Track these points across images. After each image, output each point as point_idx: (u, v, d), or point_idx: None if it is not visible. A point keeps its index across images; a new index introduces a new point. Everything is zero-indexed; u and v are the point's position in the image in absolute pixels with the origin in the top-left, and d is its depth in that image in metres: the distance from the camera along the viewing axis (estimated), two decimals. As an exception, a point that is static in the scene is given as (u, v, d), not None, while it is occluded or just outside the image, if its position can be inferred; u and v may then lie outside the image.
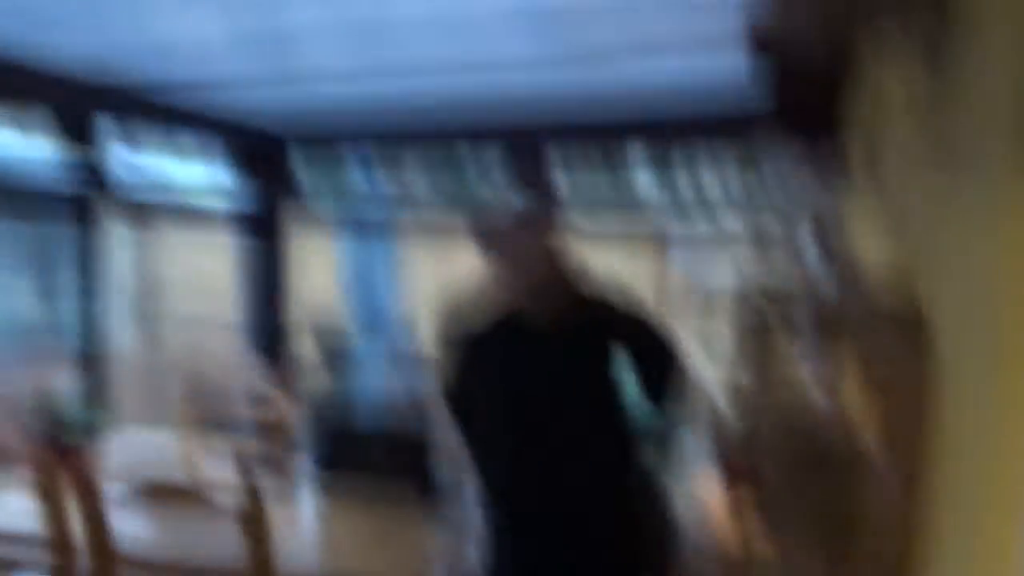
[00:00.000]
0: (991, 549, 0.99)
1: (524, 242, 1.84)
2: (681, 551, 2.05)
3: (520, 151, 3.52)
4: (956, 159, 1.22)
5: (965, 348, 1.16)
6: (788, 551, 1.49)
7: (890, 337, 1.39)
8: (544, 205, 1.90)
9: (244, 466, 1.86)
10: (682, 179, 9.83)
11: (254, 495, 1.88)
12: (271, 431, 3.23)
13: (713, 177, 8.76)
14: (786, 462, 1.45)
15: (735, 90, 3.00)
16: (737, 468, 1.48)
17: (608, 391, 1.86)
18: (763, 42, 2.05)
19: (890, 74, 1.68)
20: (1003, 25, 1.00)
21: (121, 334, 7.47)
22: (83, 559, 2.03)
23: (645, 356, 1.94)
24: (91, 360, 3.10)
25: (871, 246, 1.98)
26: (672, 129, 3.37)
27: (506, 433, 1.92)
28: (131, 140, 3.42)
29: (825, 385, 1.62)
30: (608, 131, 3.44)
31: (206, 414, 3.34)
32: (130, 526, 2.06)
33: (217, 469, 1.93)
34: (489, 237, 1.88)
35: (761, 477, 1.43)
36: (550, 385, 1.87)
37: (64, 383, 5.06)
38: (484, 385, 1.98)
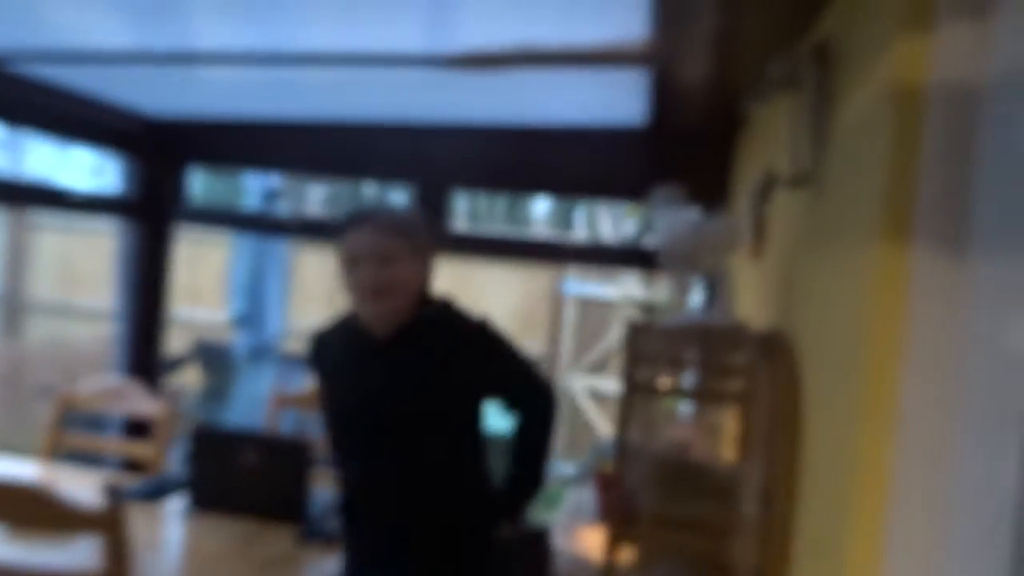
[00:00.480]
0: (852, 555, 1.07)
1: (367, 266, 1.87)
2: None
3: (421, 182, 3.55)
4: (831, 231, 1.32)
5: (832, 386, 1.26)
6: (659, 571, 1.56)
7: (751, 354, 1.49)
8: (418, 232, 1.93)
9: (109, 488, 1.80)
10: (579, 221, 10.01)
11: (115, 507, 1.82)
12: (142, 463, 3.13)
13: (608, 221, 9.02)
14: (661, 492, 1.52)
15: (630, 136, 3.14)
16: (616, 506, 1.55)
17: (439, 410, 1.93)
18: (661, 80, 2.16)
19: (774, 142, 1.81)
20: (880, 110, 1.10)
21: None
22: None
23: (516, 405, 2.04)
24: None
25: (750, 302, 2.11)
26: (571, 173, 3.46)
27: (339, 435, 2.04)
28: (7, 115, 3.26)
29: (701, 424, 1.72)
30: (510, 170, 3.50)
31: (76, 445, 3.20)
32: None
33: (81, 494, 1.86)
34: (341, 255, 1.92)
35: (637, 512, 1.50)
36: (374, 393, 1.94)
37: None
38: (325, 383, 2.07)
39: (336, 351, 2.06)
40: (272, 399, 3.28)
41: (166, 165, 3.75)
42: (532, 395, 2.04)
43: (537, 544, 2.49)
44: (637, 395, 1.57)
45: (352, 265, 1.89)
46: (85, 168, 9.87)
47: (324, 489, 2.68)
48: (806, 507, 1.36)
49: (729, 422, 1.66)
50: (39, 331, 7.93)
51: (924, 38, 1.03)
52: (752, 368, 1.52)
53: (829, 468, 1.23)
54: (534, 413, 2.04)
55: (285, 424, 3.36)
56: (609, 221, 9.26)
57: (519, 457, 2.05)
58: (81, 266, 8.06)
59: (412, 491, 1.95)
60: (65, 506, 1.79)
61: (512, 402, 2.04)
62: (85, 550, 2.07)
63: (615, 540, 1.60)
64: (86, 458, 3.35)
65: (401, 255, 1.89)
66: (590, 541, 2.64)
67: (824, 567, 1.20)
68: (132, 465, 3.34)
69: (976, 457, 0.93)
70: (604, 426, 6.55)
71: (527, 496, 2.04)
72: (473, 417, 1.99)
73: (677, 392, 1.65)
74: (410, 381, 1.93)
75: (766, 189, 1.55)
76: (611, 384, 6.59)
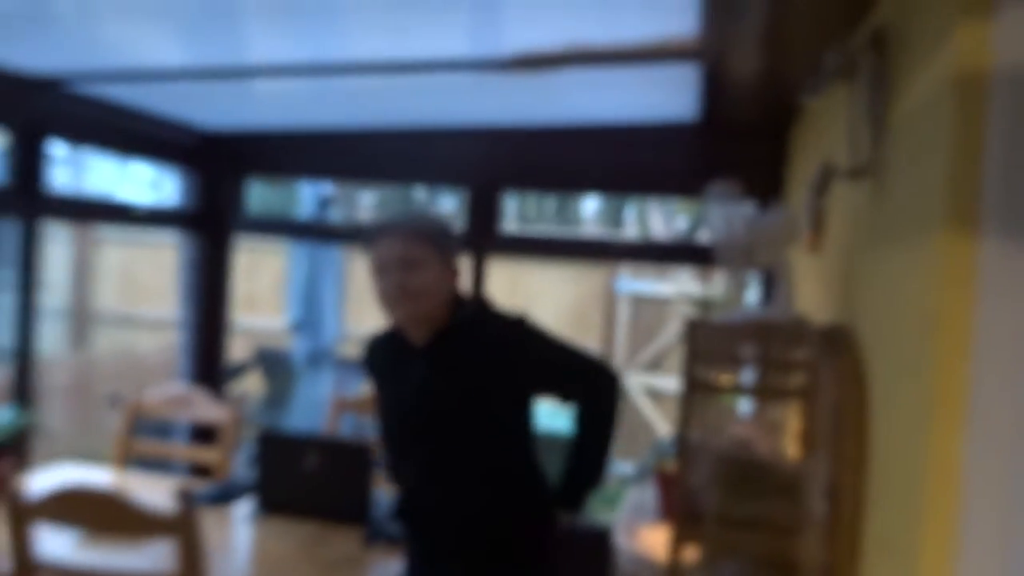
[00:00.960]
0: (924, 552, 1.06)
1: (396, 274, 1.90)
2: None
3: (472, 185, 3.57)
4: (894, 222, 1.30)
5: (899, 380, 1.24)
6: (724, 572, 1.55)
7: (813, 349, 1.47)
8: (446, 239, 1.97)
9: (182, 493, 1.85)
10: (630, 218, 9.96)
11: (188, 511, 1.87)
12: (209, 468, 3.20)
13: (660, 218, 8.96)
14: (724, 491, 1.51)
15: (681, 132, 3.12)
16: (679, 505, 1.54)
17: (481, 410, 1.94)
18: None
19: (833, 134, 1.78)
20: (941, 95, 1.08)
21: (52, 333, 7.29)
22: (5, 565, 1.99)
23: (569, 395, 2.04)
24: (20, 360, 3.02)
25: (810, 296, 2.08)
26: (621, 171, 3.44)
27: (390, 438, 2.08)
28: (69, 134, 3.37)
29: (762, 421, 1.70)
30: (559, 169, 3.50)
31: (145, 451, 3.30)
32: (56, 538, 2.02)
33: (153, 500, 1.92)
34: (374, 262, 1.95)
35: (701, 511, 1.49)
36: (417, 398, 1.97)
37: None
38: (377, 387, 2.12)
39: (386, 356, 2.10)
40: (331, 403, 3.33)
41: (224, 177, 3.83)
42: (585, 382, 2.02)
43: (598, 544, 2.49)
44: (698, 393, 1.56)
45: (380, 272, 1.92)
46: (144, 183, 10.15)
47: (387, 491, 2.71)
48: (874, 504, 1.34)
49: (791, 418, 1.64)
50: (105, 342, 8.17)
51: (986, 22, 1.01)
52: (814, 363, 1.50)
53: (898, 464, 1.21)
54: (591, 400, 2.03)
55: (344, 428, 3.41)
56: (660, 218, 9.20)
57: (579, 446, 2.04)
58: (144, 278, 8.29)
59: (462, 493, 1.97)
60: (140, 511, 1.84)
61: (565, 394, 2.03)
62: (156, 554, 2.13)
63: (679, 539, 1.59)
64: (155, 464, 3.45)
65: (427, 260, 1.91)
66: (652, 540, 2.62)
67: (895, 564, 1.18)
68: (199, 470, 3.43)
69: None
70: (662, 424, 6.51)
71: (587, 486, 2.03)
72: (519, 416, 2.00)
73: (738, 389, 1.64)
74: (450, 383, 1.95)
75: (824, 181, 1.53)
76: (668, 382, 6.55)
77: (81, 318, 8.21)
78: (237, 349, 6.24)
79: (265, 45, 2.58)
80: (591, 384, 2.03)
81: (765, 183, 2.96)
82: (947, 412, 1.03)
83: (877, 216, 1.41)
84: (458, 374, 1.95)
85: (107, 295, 8.38)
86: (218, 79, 2.77)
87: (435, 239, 1.94)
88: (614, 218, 10.37)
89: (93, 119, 3.23)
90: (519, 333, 1.98)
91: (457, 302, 1.99)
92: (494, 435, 1.97)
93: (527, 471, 2.04)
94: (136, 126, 3.41)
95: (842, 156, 1.56)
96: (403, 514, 2.07)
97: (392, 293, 1.90)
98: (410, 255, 1.90)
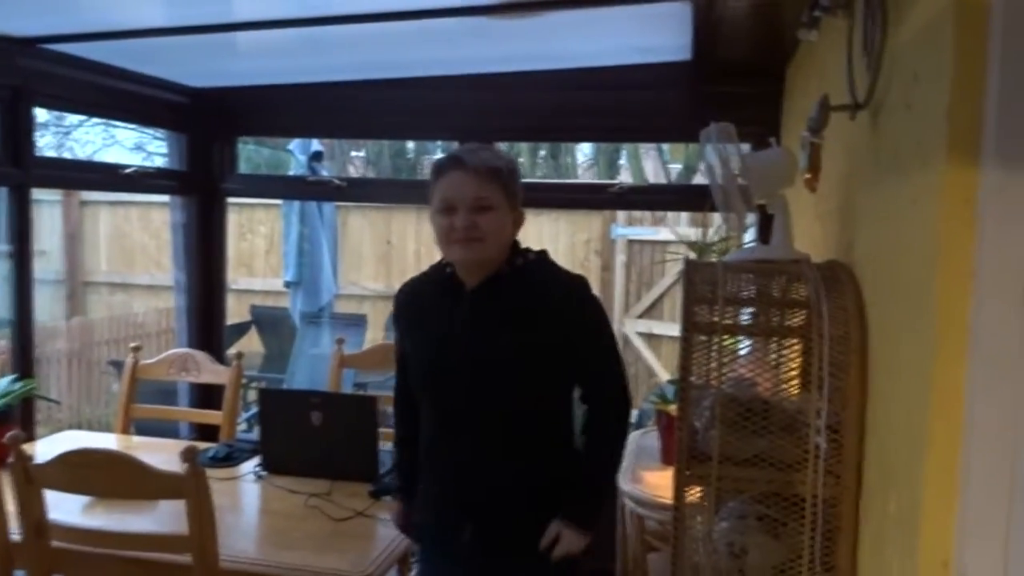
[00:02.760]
0: (928, 482, 1.07)
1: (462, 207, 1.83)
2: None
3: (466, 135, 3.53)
4: (893, 155, 1.28)
5: (900, 314, 1.24)
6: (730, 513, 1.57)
7: (813, 286, 1.46)
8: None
9: (187, 453, 1.86)
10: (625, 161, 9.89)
11: (195, 471, 1.88)
12: (213, 430, 3.21)
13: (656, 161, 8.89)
14: (727, 430, 1.52)
15: (674, 73, 3.08)
16: (683, 446, 1.55)
17: (523, 362, 1.87)
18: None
19: (828, 65, 1.75)
20: (940, 23, 1.06)
21: (46, 301, 7.27)
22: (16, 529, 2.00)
23: (593, 393, 1.97)
24: (18, 329, 3.01)
25: (808, 234, 2.07)
26: (615, 116, 3.40)
27: (421, 384, 2.01)
28: (54, 97, 3.31)
29: (762, 360, 1.70)
30: (552, 118, 3.46)
31: (147, 416, 3.31)
32: (65, 501, 2.03)
33: (158, 462, 1.92)
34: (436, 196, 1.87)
35: (705, 451, 1.50)
36: (459, 341, 1.91)
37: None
38: (409, 334, 2.04)
39: (424, 301, 2.01)
40: (332, 359, 3.34)
41: (214, 137, 3.79)
42: (611, 391, 1.95)
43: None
44: (697, 334, 1.56)
45: (447, 211, 1.84)
46: (129, 146, 10.03)
47: (391, 444, 2.72)
48: (876, 436, 1.35)
49: (793, 356, 1.65)
50: (100, 307, 8.16)
51: (985, -55, 0.98)
52: (812, 300, 1.50)
53: (900, 396, 1.21)
54: (609, 414, 1.96)
55: (346, 382, 3.42)
56: (653, 164, 9.14)
57: (590, 458, 1.96)
58: (136, 240, 8.24)
59: (487, 451, 1.91)
60: (148, 472, 1.85)
61: (590, 385, 1.96)
62: (163, 516, 2.15)
63: (683, 480, 1.60)
64: (158, 428, 3.47)
65: (496, 203, 1.84)
66: (655, 483, 2.66)
67: (899, 495, 1.19)
68: (203, 432, 3.44)
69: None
70: (661, 370, 6.55)
71: (597, 499, 1.97)
72: (560, 380, 1.93)
73: (738, 329, 1.63)
74: (496, 329, 1.88)
75: (822, 118, 1.51)
76: (665, 327, 6.57)
77: (75, 284, 8.19)
78: (233, 310, 6.24)
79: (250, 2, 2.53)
80: (615, 397, 1.96)
81: (762, 122, 2.93)
82: (950, 342, 1.02)
83: (876, 151, 1.40)
84: (506, 320, 1.88)
85: (99, 260, 8.35)
86: (204, 34, 2.72)
87: (506, 181, 1.86)
88: (608, 166, 10.31)
89: (77, 82, 3.18)
90: (581, 291, 1.92)
91: (514, 248, 1.93)
92: (532, 394, 1.89)
93: (561, 448, 1.98)
94: (122, 87, 3.36)
95: (840, 91, 1.54)
96: (427, 458, 2.01)
97: (458, 234, 1.83)
98: (482, 197, 1.83)
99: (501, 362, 1.88)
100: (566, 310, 1.89)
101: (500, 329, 1.88)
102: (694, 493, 1.62)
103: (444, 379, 1.94)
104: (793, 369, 1.64)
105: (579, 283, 1.94)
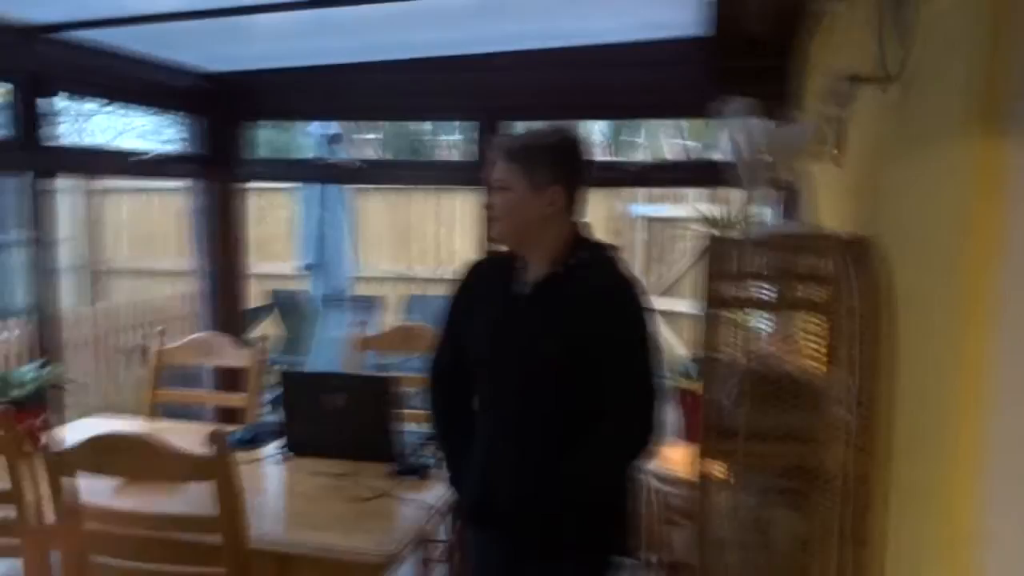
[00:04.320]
0: (957, 453, 1.06)
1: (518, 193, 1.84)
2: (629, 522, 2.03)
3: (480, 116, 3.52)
4: (921, 128, 1.27)
5: (927, 288, 1.23)
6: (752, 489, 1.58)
7: (837, 260, 1.45)
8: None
9: (214, 436, 1.87)
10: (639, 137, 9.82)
11: (223, 453, 1.90)
12: (237, 413, 3.23)
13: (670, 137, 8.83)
14: (751, 405, 1.52)
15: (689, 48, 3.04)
16: (707, 422, 1.55)
17: (568, 361, 1.84)
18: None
19: (851, 43, 1.73)
20: (971, 1, 1.04)
21: (67, 288, 7.34)
22: (48, 515, 2.03)
23: (614, 402, 1.86)
24: (41, 315, 3.04)
25: (831, 208, 2.05)
26: (630, 93, 3.37)
27: (478, 364, 1.99)
28: (70, 84, 3.32)
29: (785, 335, 1.70)
30: (567, 95, 3.43)
31: (172, 399, 3.35)
32: (96, 484, 2.06)
33: (185, 446, 1.94)
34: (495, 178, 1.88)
35: (729, 426, 1.50)
36: (510, 333, 1.91)
37: (13, 340, 4.97)
38: (466, 309, 2.03)
39: (491, 279, 2.01)
40: (352, 342, 3.35)
41: (229, 121, 3.79)
42: (635, 408, 1.85)
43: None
44: (720, 309, 1.56)
45: (489, 190, 1.92)
46: (145, 132, 10.06)
47: (412, 425, 2.74)
48: (901, 410, 1.34)
49: (817, 331, 1.64)
50: (121, 294, 8.22)
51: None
52: (838, 274, 1.49)
53: (929, 369, 1.20)
54: (623, 433, 1.87)
55: (366, 366, 3.44)
56: (670, 140, 9.08)
57: (583, 464, 1.86)
58: (155, 226, 8.29)
59: (526, 439, 1.90)
60: (177, 454, 1.87)
61: (610, 395, 1.85)
62: (190, 499, 2.17)
63: (706, 455, 1.61)
64: (182, 412, 3.50)
65: (511, 183, 1.85)
66: (674, 458, 2.66)
67: (927, 471, 1.18)
68: (227, 416, 3.48)
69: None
70: (679, 347, 6.54)
71: (555, 501, 1.87)
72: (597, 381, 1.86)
73: (761, 304, 1.63)
74: (551, 325, 1.86)
75: (847, 90, 1.50)
76: (684, 304, 6.55)
77: (95, 271, 8.26)
78: (253, 294, 6.27)
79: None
80: (637, 417, 1.85)
81: (779, 96, 2.90)
82: (979, 313, 1.02)
83: (904, 124, 1.38)
84: (560, 318, 1.86)
85: (119, 247, 8.40)
86: (218, 17, 2.71)
87: (523, 162, 1.84)
88: (625, 143, 10.26)
89: (93, 68, 3.19)
90: (629, 289, 1.88)
91: (578, 240, 1.91)
92: (578, 391, 1.85)
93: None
94: (139, 73, 3.36)
95: (867, 63, 1.52)
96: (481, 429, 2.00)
97: (490, 212, 1.93)
98: (499, 179, 1.87)
99: (552, 359, 1.85)
100: (614, 307, 1.85)
101: (555, 326, 1.86)
102: (718, 469, 1.62)
103: (494, 365, 1.95)
104: (819, 344, 1.63)
105: (630, 284, 1.89)
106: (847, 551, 1.42)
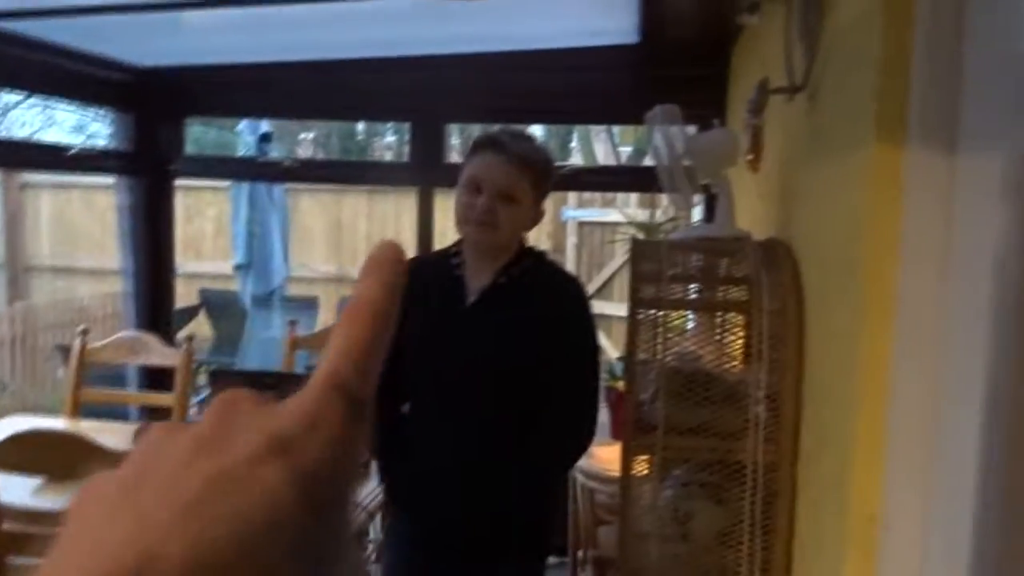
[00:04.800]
0: (856, 446, 1.13)
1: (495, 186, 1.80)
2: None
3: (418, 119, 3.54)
4: (827, 135, 1.34)
5: (832, 287, 1.30)
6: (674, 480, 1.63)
7: (753, 262, 1.53)
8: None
9: (142, 430, 1.85)
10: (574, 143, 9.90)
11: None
12: (164, 413, 3.18)
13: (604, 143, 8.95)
14: (672, 402, 1.58)
15: (624, 56, 3.12)
16: (629, 419, 1.60)
17: (525, 366, 1.85)
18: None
19: (769, 56, 1.81)
20: (871, 9, 1.11)
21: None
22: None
23: (558, 398, 1.89)
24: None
25: (750, 212, 2.13)
26: (565, 98, 3.43)
27: (421, 371, 1.94)
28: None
29: (707, 334, 1.77)
30: (503, 100, 3.48)
31: (96, 399, 3.28)
32: (12, 482, 2.01)
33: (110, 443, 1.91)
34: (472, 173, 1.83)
35: (650, 422, 1.55)
36: (462, 343, 1.89)
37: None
38: (403, 317, 1.93)
39: (424, 286, 1.93)
40: (285, 342, 3.34)
41: (160, 116, 3.73)
42: (578, 409, 1.90)
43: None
44: (643, 310, 1.61)
45: (473, 189, 1.81)
46: (69, 127, 9.79)
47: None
48: (812, 404, 1.42)
49: (736, 330, 1.71)
50: (43, 292, 7.98)
51: (912, -65, 1.04)
52: (754, 276, 1.56)
53: (833, 364, 1.28)
54: (567, 425, 1.90)
55: (299, 365, 3.42)
56: (603, 146, 9.20)
57: (536, 465, 1.89)
58: (79, 223, 8.07)
59: (478, 444, 1.88)
60: (100, 448, 1.85)
61: (559, 390, 1.88)
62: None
63: (630, 451, 1.66)
64: (108, 413, 3.43)
65: (522, 197, 1.82)
66: (606, 457, 2.72)
67: (832, 461, 1.25)
68: (154, 416, 3.42)
69: (966, 346, 0.97)
70: (613, 350, 6.64)
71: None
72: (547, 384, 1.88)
73: (684, 304, 1.69)
74: (504, 334, 1.86)
75: (761, 100, 1.57)
76: (616, 308, 6.66)
77: (16, 268, 7.99)
78: (182, 294, 6.15)
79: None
80: (579, 419, 1.91)
81: (708, 104, 2.99)
82: (877, 311, 1.09)
83: (811, 132, 1.46)
84: (515, 323, 1.85)
85: (41, 244, 8.16)
86: (150, 12, 2.68)
87: (538, 177, 1.84)
88: (560, 149, 10.37)
89: (19, 59, 3.11)
90: (578, 290, 1.92)
91: (523, 249, 1.92)
92: (528, 395, 1.86)
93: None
94: (66, 66, 3.29)
95: (780, 74, 1.60)
96: (411, 449, 1.96)
97: (477, 215, 1.80)
98: (510, 187, 1.80)
99: (508, 366, 1.86)
100: (566, 309, 1.89)
101: (500, 335, 1.86)
102: (641, 464, 1.68)
103: (443, 374, 1.90)
104: (737, 342, 1.70)
105: (577, 283, 1.95)
106: (757, 540, 1.49)
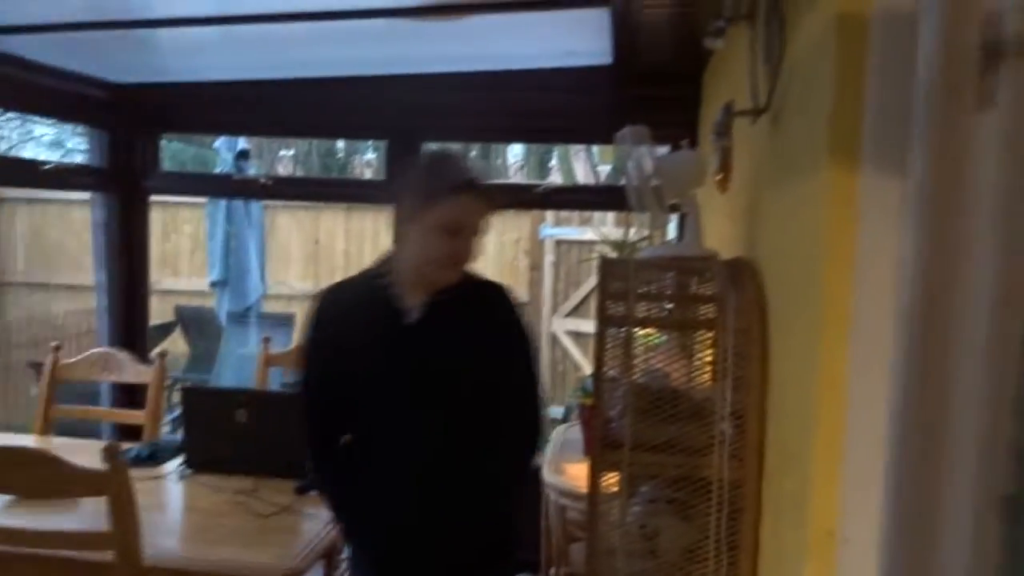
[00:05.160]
0: (815, 459, 1.15)
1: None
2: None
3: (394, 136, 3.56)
4: (788, 157, 1.37)
5: (793, 305, 1.33)
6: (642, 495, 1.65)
7: (720, 281, 1.55)
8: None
9: (109, 449, 1.85)
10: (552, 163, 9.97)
11: (117, 466, 1.87)
12: (137, 430, 3.16)
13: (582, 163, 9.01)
14: (640, 418, 1.59)
15: (599, 77, 3.16)
16: (598, 435, 1.62)
17: (468, 380, 1.87)
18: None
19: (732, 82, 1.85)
20: (826, 35, 1.15)
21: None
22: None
23: (509, 402, 1.92)
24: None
25: (719, 232, 2.17)
26: (541, 117, 3.47)
27: (367, 394, 1.92)
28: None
29: (676, 352, 1.79)
30: (481, 118, 3.51)
31: (68, 416, 3.25)
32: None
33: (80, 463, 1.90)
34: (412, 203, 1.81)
35: (618, 439, 1.57)
36: (408, 362, 1.87)
37: None
38: (331, 341, 1.94)
39: (357, 309, 1.93)
40: (259, 359, 3.33)
41: (136, 133, 3.73)
42: (528, 413, 1.93)
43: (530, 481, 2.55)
44: (612, 327, 1.63)
45: (454, 232, 1.77)
46: (46, 143, 9.72)
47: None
48: (775, 421, 1.44)
49: (705, 348, 1.73)
50: (17, 309, 7.89)
51: (865, -36, 1.07)
52: (721, 295, 1.58)
53: (794, 381, 1.30)
54: (522, 425, 1.93)
55: (274, 383, 3.42)
56: (583, 165, 9.28)
57: (496, 478, 1.91)
58: (55, 240, 8.00)
59: (435, 464, 1.88)
60: (70, 469, 1.84)
61: (511, 407, 1.91)
62: (85, 515, 2.12)
63: (598, 467, 1.67)
64: (80, 430, 3.40)
65: (485, 227, 1.82)
66: (577, 474, 2.73)
67: (793, 473, 1.28)
68: (127, 433, 3.39)
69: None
70: (587, 367, 6.66)
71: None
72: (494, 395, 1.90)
73: (651, 322, 1.71)
74: (452, 346, 1.86)
75: (727, 121, 1.60)
76: (590, 325, 6.68)
77: (-10, 285, 7.91)
78: (158, 311, 6.11)
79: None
80: (530, 423, 1.94)
81: (681, 125, 3.03)
82: (834, 330, 1.11)
83: (774, 153, 1.49)
84: (460, 338, 1.87)
85: (16, 260, 8.07)
86: (125, 29, 2.69)
87: (493, 206, 1.85)
88: (538, 167, 10.43)
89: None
90: (505, 295, 1.94)
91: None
92: (478, 408, 1.87)
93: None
94: (42, 82, 3.28)
95: (745, 97, 1.63)
96: (368, 469, 1.94)
97: (458, 256, 1.79)
98: (482, 224, 1.81)
99: (454, 380, 1.86)
100: (500, 315, 1.91)
101: (452, 346, 1.87)
102: (610, 480, 1.69)
103: (387, 396, 1.89)
104: (706, 360, 1.73)
105: (504, 289, 1.95)
106: (723, 556, 1.51)
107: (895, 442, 0.54)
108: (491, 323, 1.90)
